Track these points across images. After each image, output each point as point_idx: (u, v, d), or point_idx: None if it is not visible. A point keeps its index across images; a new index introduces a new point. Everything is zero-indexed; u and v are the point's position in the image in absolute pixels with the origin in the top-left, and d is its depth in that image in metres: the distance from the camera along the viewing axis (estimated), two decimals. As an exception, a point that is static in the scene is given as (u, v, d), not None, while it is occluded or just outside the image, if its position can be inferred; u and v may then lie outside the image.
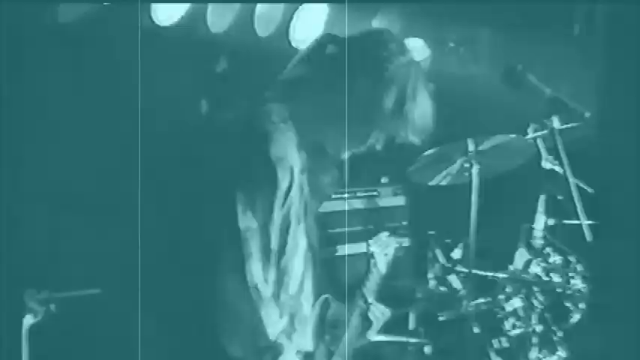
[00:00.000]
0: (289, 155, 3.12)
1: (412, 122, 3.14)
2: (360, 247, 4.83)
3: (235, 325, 3.09)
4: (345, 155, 3.29)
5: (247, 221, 3.06)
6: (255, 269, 3.07)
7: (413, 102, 3.13)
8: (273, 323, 3.09)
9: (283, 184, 3.10)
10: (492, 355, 4.09)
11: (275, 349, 3.10)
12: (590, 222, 3.39)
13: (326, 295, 3.30)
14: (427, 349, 4.22)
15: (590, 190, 3.69)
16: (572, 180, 3.55)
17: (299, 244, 3.18)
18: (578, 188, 3.55)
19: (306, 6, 4.55)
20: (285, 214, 3.12)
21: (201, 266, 3.37)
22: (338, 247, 4.47)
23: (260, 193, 3.08)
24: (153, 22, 4.15)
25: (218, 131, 3.75)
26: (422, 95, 3.17)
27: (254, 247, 3.07)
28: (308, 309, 3.23)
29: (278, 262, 3.11)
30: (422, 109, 3.16)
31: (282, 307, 3.13)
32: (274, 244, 3.09)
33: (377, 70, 3.11)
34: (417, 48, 5.11)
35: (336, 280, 4.07)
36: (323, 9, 4.60)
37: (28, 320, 3.52)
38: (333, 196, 3.82)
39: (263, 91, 3.29)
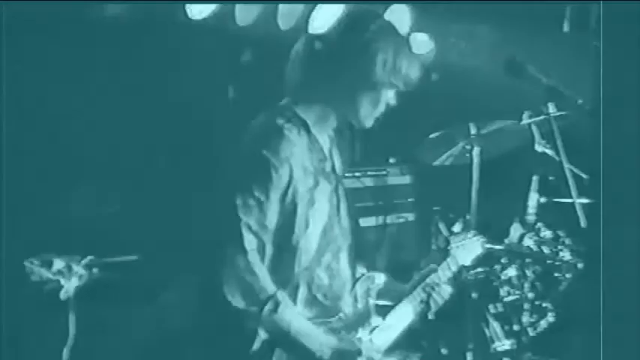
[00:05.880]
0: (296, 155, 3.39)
1: (405, 74, 3.47)
2: (370, 221, 5.30)
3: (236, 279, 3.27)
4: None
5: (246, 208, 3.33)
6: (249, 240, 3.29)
7: (400, 58, 3.46)
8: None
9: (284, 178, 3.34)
10: (490, 318, 4.50)
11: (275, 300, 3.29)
12: (583, 201, 3.73)
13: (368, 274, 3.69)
14: (430, 315, 4.59)
15: (584, 175, 4.02)
16: (566, 165, 3.90)
17: (309, 224, 3.45)
18: (572, 172, 3.90)
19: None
20: (290, 199, 3.36)
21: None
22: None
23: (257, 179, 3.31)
24: (186, 16, 4.59)
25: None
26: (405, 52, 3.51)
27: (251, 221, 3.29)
28: (326, 279, 3.54)
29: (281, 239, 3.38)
30: (408, 60, 3.49)
31: (295, 278, 3.44)
32: (270, 222, 3.34)
33: (364, 49, 3.42)
34: (422, 41, 5.57)
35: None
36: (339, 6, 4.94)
37: (74, 283, 3.89)
38: (346, 174, 4.15)
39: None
